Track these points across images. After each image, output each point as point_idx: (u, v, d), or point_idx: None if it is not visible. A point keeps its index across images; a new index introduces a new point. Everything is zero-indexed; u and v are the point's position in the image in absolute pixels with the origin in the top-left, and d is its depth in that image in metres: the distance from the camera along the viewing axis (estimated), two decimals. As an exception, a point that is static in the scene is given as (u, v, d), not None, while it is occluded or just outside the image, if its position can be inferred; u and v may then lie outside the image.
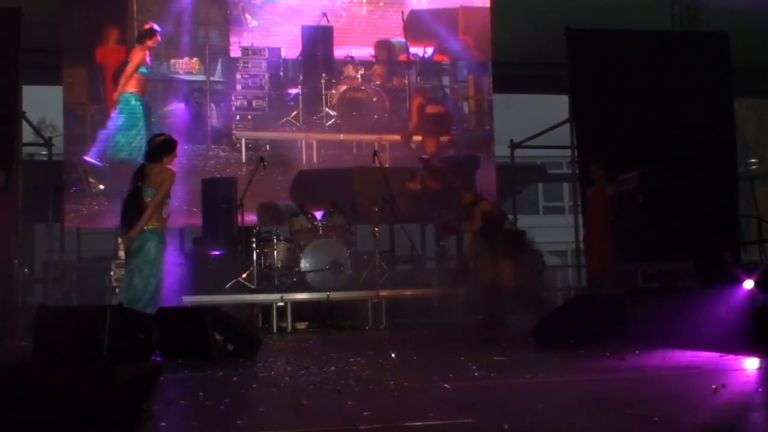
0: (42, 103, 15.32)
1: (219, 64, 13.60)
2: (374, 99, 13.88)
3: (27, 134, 11.68)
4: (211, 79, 13.51)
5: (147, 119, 12.89)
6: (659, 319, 6.44)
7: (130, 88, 12.82)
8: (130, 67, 12.82)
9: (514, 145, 13.83)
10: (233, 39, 13.61)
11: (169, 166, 7.37)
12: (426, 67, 14.36)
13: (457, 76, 14.60)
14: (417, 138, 13.90)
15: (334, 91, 13.81)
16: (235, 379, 4.99)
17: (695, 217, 9.56)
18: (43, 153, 12.89)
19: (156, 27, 13.20)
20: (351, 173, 12.90)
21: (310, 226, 10.61)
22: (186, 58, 13.47)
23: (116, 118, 12.73)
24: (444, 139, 13.97)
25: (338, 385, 4.55)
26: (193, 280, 10.20)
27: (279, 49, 13.83)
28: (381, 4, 14.26)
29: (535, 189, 29.83)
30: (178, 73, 13.41)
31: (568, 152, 11.96)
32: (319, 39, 13.99)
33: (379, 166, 11.44)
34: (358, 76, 13.95)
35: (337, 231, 10.59)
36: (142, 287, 7.12)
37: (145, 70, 12.95)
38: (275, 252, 10.40)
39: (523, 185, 17.69)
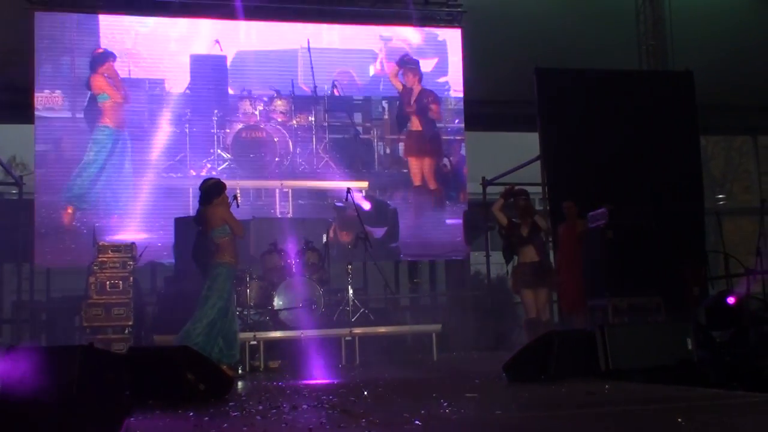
0: (12, 142, 15.16)
1: (87, 98, 11.94)
2: (275, 139, 12.28)
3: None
4: (78, 116, 11.85)
5: (121, 154, 11.78)
6: (628, 353, 6.52)
7: (105, 121, 11.89)
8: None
9: (486, 183, 13.91)
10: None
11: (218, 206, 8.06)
12: (335, 102, 12.76)
13: (372, 113, 13.01)
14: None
15: (227, 130, 12.17)
16: (207, 418, 4.96)
17: (664, 252, 9.70)
18: (14, 192, 12.76)
19: (108, 50, 11.89)
20: (246, 226, 11.45)
21: (283, 264, 10.58)
22: (46, 92, 11.83)
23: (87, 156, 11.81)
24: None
25: (310, 423, 4.54)
26: (166, 320, 10.12)
27: (162, 81, 12.11)
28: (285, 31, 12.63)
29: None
30: (37, 109, 11.71)
31: (539, 189, 12.07)
32: (210, 70, 12.28)
33: (355, 207, 10.89)
34: (257, 112, 12.29)
35: (310, 269, 10.57)
36: (206, 311, 7.79)
37: (106, 98, 11.83)
38: (248, 290, 10.36)
39: (495, 222, 17.71)
